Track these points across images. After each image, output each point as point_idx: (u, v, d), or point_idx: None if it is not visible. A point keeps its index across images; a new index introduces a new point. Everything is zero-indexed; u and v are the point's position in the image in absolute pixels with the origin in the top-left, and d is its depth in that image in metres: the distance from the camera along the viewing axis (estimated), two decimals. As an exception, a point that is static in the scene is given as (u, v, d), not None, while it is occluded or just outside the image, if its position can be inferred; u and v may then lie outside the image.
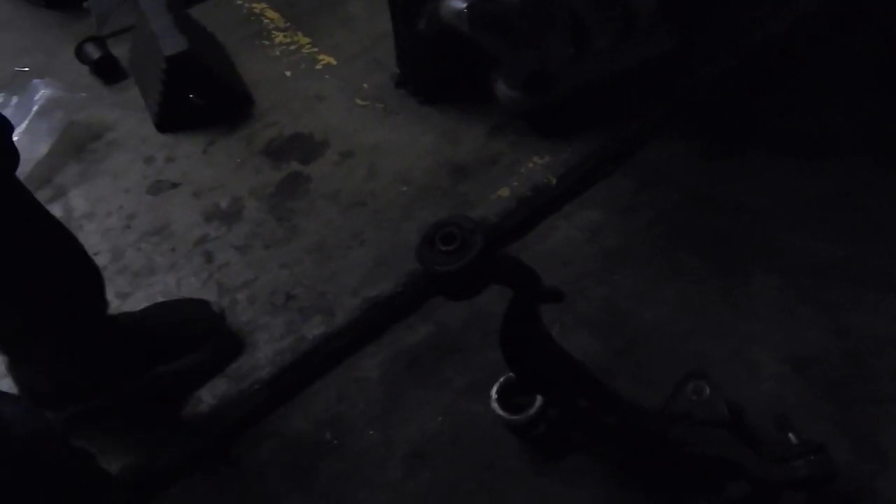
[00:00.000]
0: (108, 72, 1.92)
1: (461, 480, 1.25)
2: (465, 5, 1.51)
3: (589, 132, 1.68)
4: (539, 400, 1.24)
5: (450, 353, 1.41)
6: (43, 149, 1.73)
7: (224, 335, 1.38)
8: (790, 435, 1.09)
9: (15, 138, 1.78)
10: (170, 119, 1.76)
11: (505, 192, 1.58)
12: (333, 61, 1.92)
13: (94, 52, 1.93)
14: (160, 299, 1.44)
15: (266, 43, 2.00)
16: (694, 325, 1.40)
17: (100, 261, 1.51)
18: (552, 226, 1.59)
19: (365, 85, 1.84)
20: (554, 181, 1.59)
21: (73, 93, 1.86)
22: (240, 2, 2.14)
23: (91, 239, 1.56)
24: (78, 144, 1.76)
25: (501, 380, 1.27)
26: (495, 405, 1.26)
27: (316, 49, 1.96)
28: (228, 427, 1.30)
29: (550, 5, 1.55)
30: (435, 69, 1.74)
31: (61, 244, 1.15)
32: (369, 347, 1.42)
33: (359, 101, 1.81)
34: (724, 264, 1.48)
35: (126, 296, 1.46)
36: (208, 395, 1.31)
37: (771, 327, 1.39)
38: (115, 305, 1.44)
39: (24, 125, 1.78)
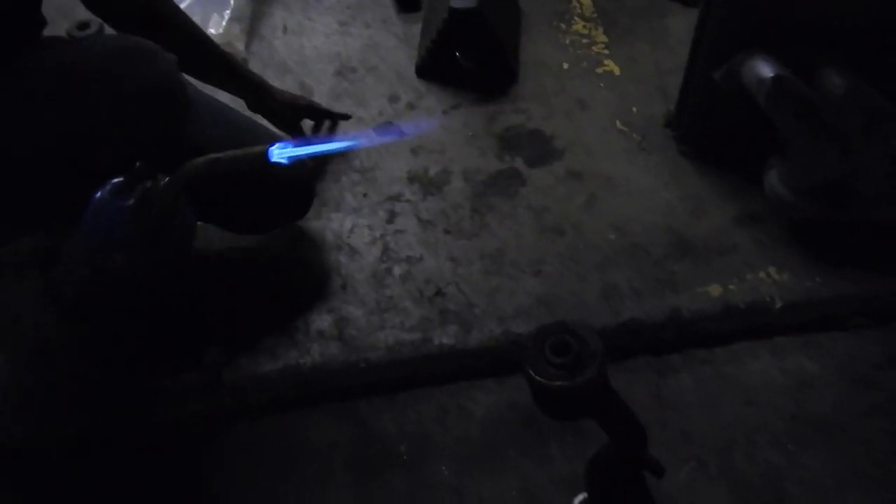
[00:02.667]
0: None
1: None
2: (772, 74, 1.25)
3: (864, 271, 1.35)
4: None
5: (568, 429, 1.25)
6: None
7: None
8: None
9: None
10: (431, 68, 1.72)
11: (716, 290, 1.34)
12: (617, 71, 1.74)
13: (401, -26, 1.93)
14: (330, 237, 1.44)
15: (562, 26, 1.87)
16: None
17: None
18: (754, 353, 1.32)
19: (634, 109, 1.65)
20: (778, 305, 1.31)
21: (366, 11, 1.90)
22: (562, -25, 2.02)
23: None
24: (347, 65, 1.79)
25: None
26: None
27: (607, 52, 1.79)
28: (314, 389, 1.27)
29: (883, 110, 1.24)
30: (713, 125, 1.50)
31: None
32: (489, 381, 1.30)
33: (618, 124, 1.62)
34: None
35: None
36: (316, 351, 1.28)
37: None
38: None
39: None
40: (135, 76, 1.04)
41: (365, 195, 1.51)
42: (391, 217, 1.47)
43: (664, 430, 1.23)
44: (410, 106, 1.68)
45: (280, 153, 0.81)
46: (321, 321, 1.33)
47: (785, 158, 1.34)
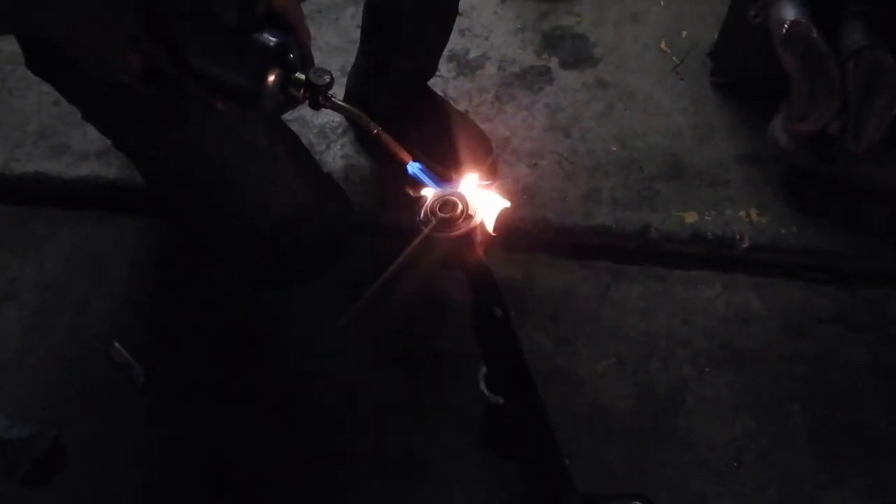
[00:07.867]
0: None
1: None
2: (793, 17, 1.27)
3: (838, 229, 1.39)
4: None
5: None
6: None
7: None
8: None
9: None
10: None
11: (692, 217, 1.41)
12: (681, -7, 1.75)
13: None
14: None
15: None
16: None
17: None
18: (709, 282, 1.41)
19: (684, 32, 1.67)
20: (745, 244, 1.38)
21: None
22: None
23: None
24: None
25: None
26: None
27: (678, -29, 1.78)
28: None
29: (887, 78, 1.24)
30: (746, 61, 1.52)
31: None
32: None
33: (663, 44, 1.66)
34: (826, 454, 1.23)
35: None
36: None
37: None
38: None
39: None
40: None
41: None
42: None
43: (596, 325, 1.37)
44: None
45: (416, 170, 0.83)
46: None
47: (791, 104, 1.36)
